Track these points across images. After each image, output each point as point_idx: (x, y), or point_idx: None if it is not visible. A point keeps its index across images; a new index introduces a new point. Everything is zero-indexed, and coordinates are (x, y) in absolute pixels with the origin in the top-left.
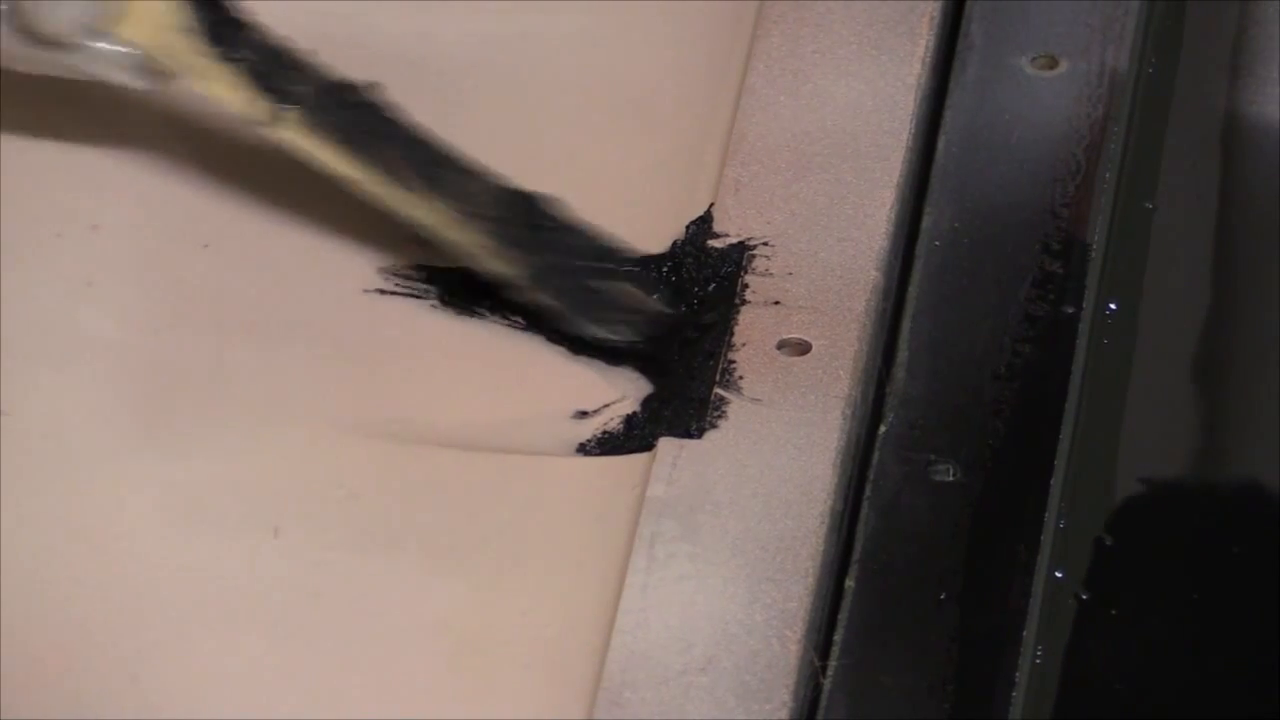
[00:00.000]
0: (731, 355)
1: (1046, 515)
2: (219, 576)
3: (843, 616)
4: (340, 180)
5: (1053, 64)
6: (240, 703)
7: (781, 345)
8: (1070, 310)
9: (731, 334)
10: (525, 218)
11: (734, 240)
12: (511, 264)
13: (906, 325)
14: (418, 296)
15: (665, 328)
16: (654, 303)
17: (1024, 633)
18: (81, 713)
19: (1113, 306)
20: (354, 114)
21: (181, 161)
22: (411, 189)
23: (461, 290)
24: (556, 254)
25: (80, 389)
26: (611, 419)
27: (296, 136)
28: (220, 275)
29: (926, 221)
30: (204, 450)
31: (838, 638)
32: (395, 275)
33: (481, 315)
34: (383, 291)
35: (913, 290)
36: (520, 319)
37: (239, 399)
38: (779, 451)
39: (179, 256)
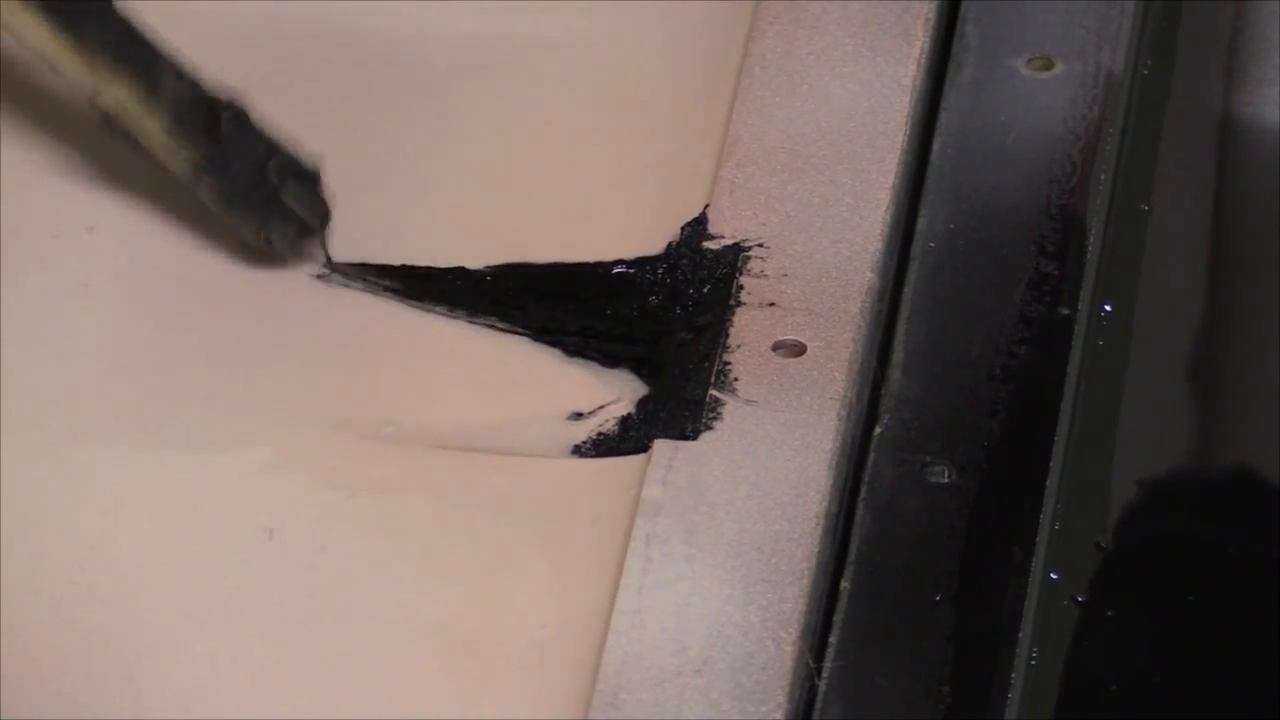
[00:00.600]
0: (727, 357)
1: (1042, 517)
2: (214, 577)
3: (838, 618)
4: (37, 50)
5: (1048, 65)
6: (235, 703)
7: (777, 347)
8: (1066, 312)
9: (726, 335)
10: (205, 112)
11: (729, 242)
12: (179, 155)
13: (902, 327)
14: (368, 291)
15: (314, 242)
16: (306, 213)
17: (1019, 634)
18: (78, 713)
19: (1108, 308)
20: None
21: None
22: (99, 66)
23: (414, 285)
24: (226, 153)
25: (76, 390)
26: (606, 420)
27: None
28: (216, 276)
29: (922, 223)
30: (199, 451)
31: (833, 639)
32: (336, 272)
33: (434, 310)
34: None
35: (908, 292)
36: (496, 319)
37: (234, 400)
38: (774, 453)
39: (174, 257)
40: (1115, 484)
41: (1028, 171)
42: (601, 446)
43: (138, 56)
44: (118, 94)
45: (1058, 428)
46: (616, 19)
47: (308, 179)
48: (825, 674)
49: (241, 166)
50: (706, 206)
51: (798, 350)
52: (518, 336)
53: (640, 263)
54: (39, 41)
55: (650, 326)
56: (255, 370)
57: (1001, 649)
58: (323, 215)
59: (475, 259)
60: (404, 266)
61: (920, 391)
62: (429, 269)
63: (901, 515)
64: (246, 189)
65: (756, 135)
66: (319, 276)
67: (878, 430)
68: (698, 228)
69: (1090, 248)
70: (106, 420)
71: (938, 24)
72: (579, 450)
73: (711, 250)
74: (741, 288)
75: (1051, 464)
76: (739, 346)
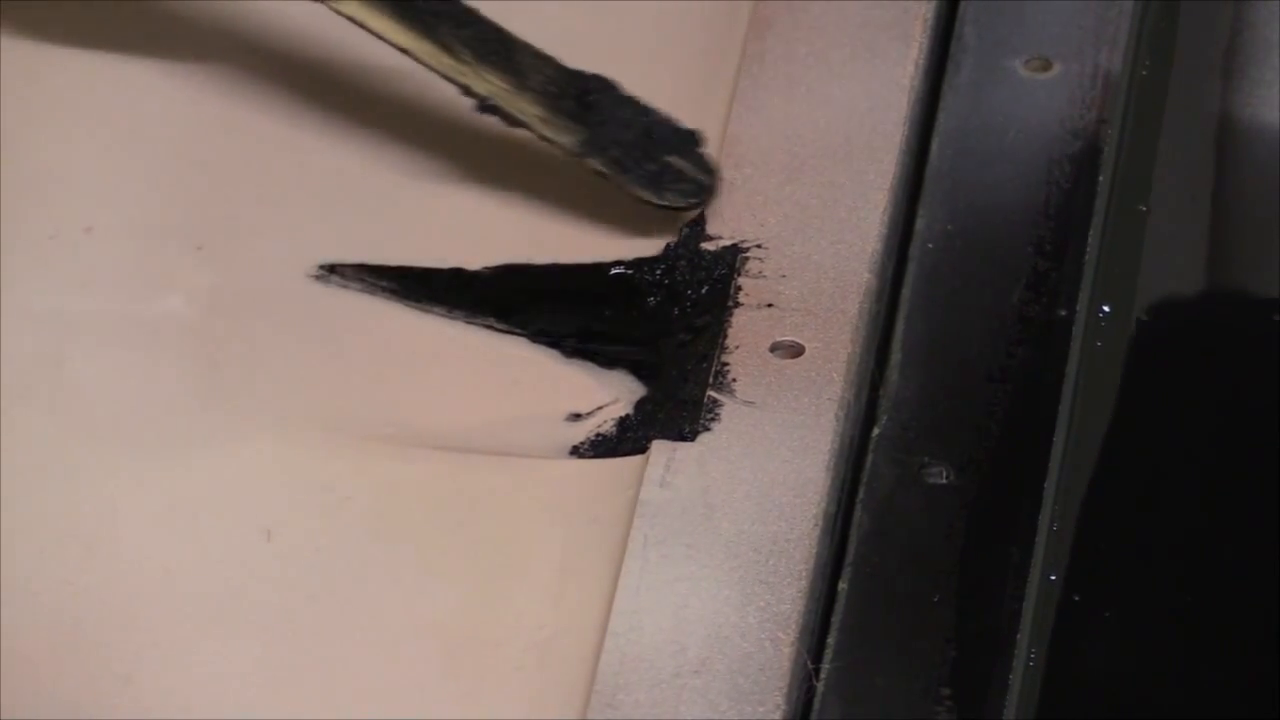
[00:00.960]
0: (725, 358)
1: (1040, 518)
2: (212, 579)
3: (836, 619)
4: (397, 48)
5: (1046, 66)
6: (233, 704)
7: (775, 348)
8: (1064, 313)
9: (725, 336)
10: (574, 92)
11: (727, 243)
12: (564, 133)
13: (900, 327)
14: (366, 292)
15: (708, 196)
16: (698, 172)
17: (1018, 635)
18: (75, 713)
19: (1106, 309)
20: None
21: (176, 163)
22: (464, 61)
23: (412, 286)
24: (604, 125)
25: (74, 391)
26: (605, 421)
27: (351, 9)
28: (213, 277)
29: (920, 224)
30: (196, 452)
31: (831, 640)
32: (335, 273)
33: (432, 311)
34: (348, 285)
35: (906, 292)
36: (494, 320)
37: (231, 400)
38: (772, 454)
39: (172, 258)
40: (1114, 485)
41: (1026, 172)
42: (599, 447)
43: (497, 48)
44: (488, 86)
45: (1056, 429)
46: (615, 19)
47: (687, 140)
48: (823, 675)
49: (623, 137)
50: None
51: (796, 351)
52: (516, 337)
53: (639, 264)
54: (401, 42)
55: (648, 327)
56: (253, 371)
57: (1000, 650)
58: (711, 172)
59: (474, 259)
60: (402, 267)
61: (918, 392)
62: (427, 269)
63: (900, 516)
64: (634, 158)
65: (754, 136)
66: (317, 277)
67: (876, 431)
68: (696, 228)
69: (1089, 249)
70: (104, 421)
71: (936, 25)
72: (577, 451)
73: (710, 251)
74: (739, 289)
75: (1050, 464)
76: (737, 347)
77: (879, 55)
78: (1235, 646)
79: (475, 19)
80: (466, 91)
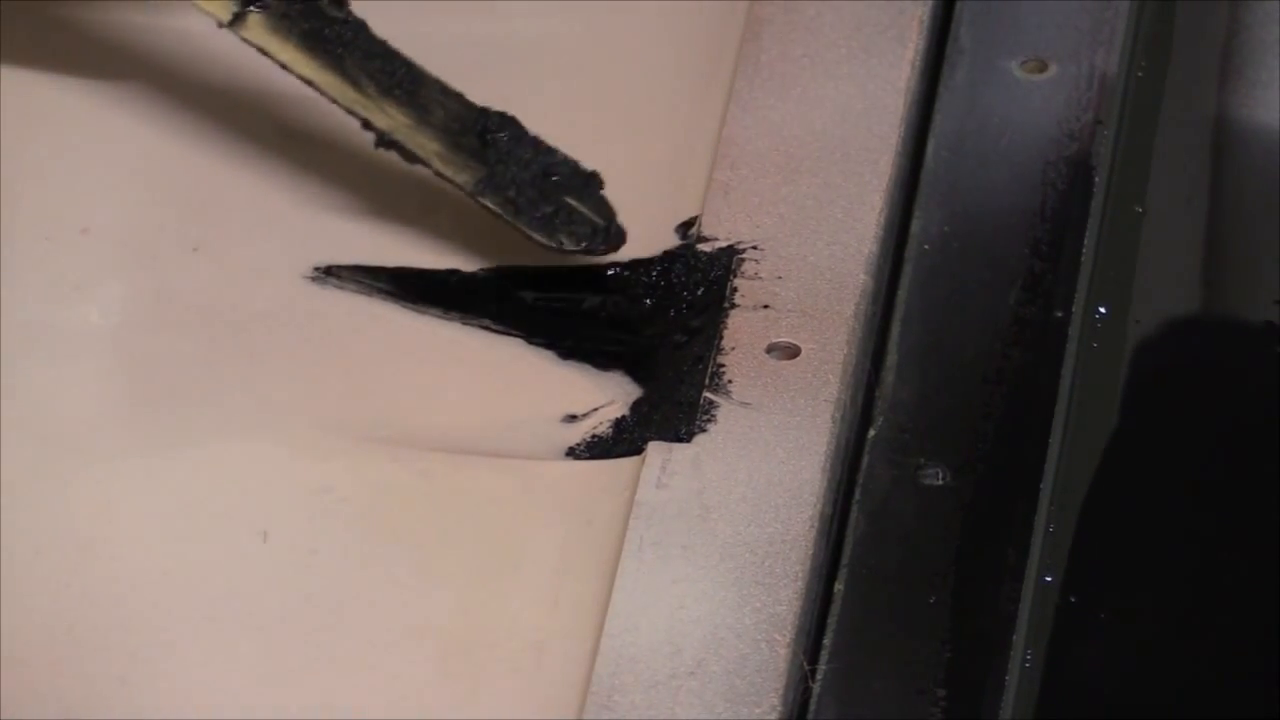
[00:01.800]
0: (721, 359)
1: (1036, 519)
2: (208, 579)
3: (832, 620)
4: (305, 80)
5: (1042, 68)
6: (229, 705)
7: (771, 349)
8: (1060, 314)
9: (721, 338)
10: (476, 130)
11: (723, 244)
12: (461, 171)
13: (896, 329)
14: (362, 293)
15: (605, 242)
16: (594, 215)
17: (1013, 637)
18: (71, 714)
19: (1102, 310)
20: (317, 22)
21: (172, 164)
22: (367, 94)
23: (409, 287)
24: (503, 165)
25: (69, 393)
26: (601, 423)
27: (259, 38)
28: (209, 279)
29: (916, 225)
30: (193, 453)
31: (827, 641)
32: (331, 274)
33: (428, 313)
34: (343, 288)
35: (902, 294)
36: (490, 321)
37: (228, 402)
38: (768, 455)
39: (168, 260)
40: (1109, 486)
41: (1022, 174)
42: (596, 449)
43: (402, 82)
44: (389, 121)
45: (1052, 430)
46: (610, 21)
47: (586, 181)
48: (819, 676)
49: (521, 177)
50: (701, 209)
51: (792, 353)
52: (512, 339)
53: (634, 265)
54: (306, 73)
55: (645, 329)
56: (249, 372)
57: (995, 651)
58: (608, 215)
59: (470, 261)
60: (398, 268)
61: (914, 394)
62: (424, 271)
63: (895, 518)
64: (530, 198)
65: (750, 137)
66: (313, 279)
67: (872, 433)
68: (692, 231)
69: (1085, 250)
70: (100, 422)
71: (931, 26)
72: (573, 453)
73: (705, 253)
74: (735, 290)
75: (1046, 466)
76: (733, 349)
77: (875, 56)
78: (1232, 647)
79: (385, 51)
80: (366, 125)
